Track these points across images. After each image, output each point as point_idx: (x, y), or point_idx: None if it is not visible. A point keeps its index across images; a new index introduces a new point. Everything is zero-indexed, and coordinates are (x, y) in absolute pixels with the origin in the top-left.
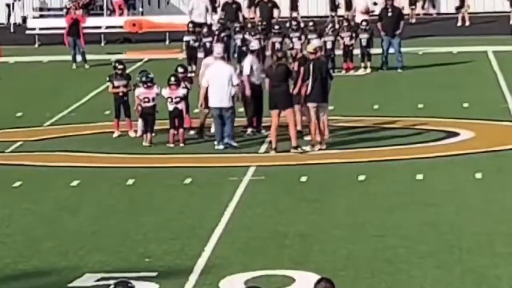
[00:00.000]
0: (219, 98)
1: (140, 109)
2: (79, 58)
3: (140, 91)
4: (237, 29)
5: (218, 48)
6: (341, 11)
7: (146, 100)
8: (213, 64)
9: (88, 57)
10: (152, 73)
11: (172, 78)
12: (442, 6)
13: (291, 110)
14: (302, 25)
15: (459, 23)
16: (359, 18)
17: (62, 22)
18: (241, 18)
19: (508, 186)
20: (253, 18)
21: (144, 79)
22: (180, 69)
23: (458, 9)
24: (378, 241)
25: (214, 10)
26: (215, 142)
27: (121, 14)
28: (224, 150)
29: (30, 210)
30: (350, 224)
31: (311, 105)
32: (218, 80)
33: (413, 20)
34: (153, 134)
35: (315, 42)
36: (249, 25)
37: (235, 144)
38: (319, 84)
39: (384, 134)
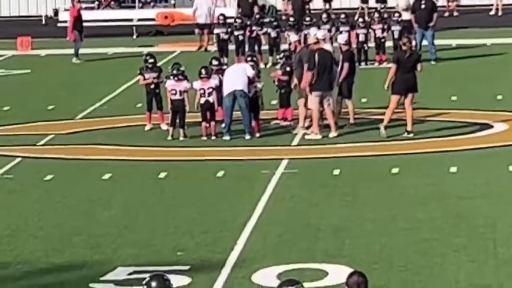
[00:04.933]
0: (232, 83)
1: (170, 102)
2: (81, 51)
3: (169, 83)
4: (274, 23)
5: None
6: (372, 2)
7: (174, 92)
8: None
9: (120, 50)
10: (184, 65)
11: (203, 70)
12: None
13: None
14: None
15: (493, 12)
16: (404, 16)
17: (93, 15)
18: (256, 12)
19: None
20: (286, 10)
21: (174, 71)
22: (214, 62)
23: None
24: (412, 234)
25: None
26: (224, 132)
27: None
28: (255, 143)
29: (62, 204)
30: (383, 217)
31: (315, 94)
32: (233, 71)
33: (455, 13)
34: (186, 127)
35: (318, 34)
36: (283, 17)
37: (248, 137)
38: (324, 74)
39: (417, 127)
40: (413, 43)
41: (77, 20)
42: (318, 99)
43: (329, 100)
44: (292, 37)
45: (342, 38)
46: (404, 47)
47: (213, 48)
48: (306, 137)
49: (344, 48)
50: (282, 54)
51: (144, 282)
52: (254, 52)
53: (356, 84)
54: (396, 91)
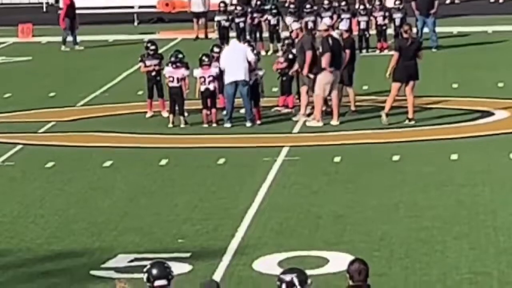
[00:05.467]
0: (234, 72)
1: (168, 88)
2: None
3: (167, 70)
4: (274, 10)
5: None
6: None
7: (171, 79)
8: (229, 45)
9: (121, 37)
10: (185, 52)
11: (204, 58)
12: None
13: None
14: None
15: None
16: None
17: (94, 2)
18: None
19: None
20: None
21: (172, 59)
22: (216, 49)
23: None
24: (413, 221)
25: None
26: (225, 119)
27: None
28: (256, 130)
29: (63, 191)
30: (384, 204)
31: (330, 71)
32: (233, 57)
33: (456, 1)
34: (186, 114)
35: (326, 21)
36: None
37: (249, 124)
38: (336, 57)
39: (418, 114)
40: (414, 30)
41: (70, 7)
42: (331, 80)
43: (337, 87)
44: (294, 25)
45: (343, 25)
46: (405, 35)
47: (214, 35)
48: (308, 124)
49: (345, 35)
50: (283, 42)
51: (145, 269)
52: (256, 39)
53: (356, 71)
54: (397, 78)
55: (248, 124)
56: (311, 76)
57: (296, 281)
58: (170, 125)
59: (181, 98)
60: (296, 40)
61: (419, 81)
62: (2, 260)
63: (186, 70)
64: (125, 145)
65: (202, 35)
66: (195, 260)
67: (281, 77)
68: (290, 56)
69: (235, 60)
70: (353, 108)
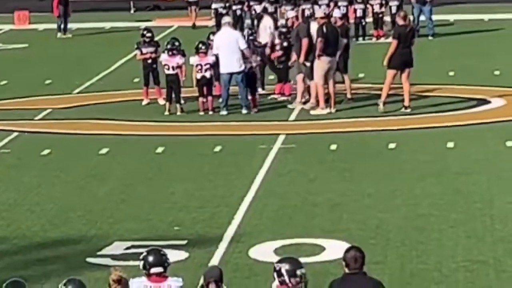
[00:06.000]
0: (229, 63)
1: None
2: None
3: (163, 58)
4: None
5: (226, 16)
6: None
7: (167, 67)
8: (220, 31)
9: (117, 24)
10: (181, 40)
11: (201, 45)
12: None
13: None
14: None
15: None
16: None
17: None
18: None
19: None
20: None
21: (169, 46)
22: (212, 37)
23: None
24: (409, 209)
25: None
26: (221, 107)
27: None
28: (252, 118)
29: (59, 178)
30: (380, 192)
31: (324, 60)
32: (227, 46)
33: None
34: (183, 102)
35: (323, 9)
36: None
37: (245, 111)
38: (331, 43)
39: (414, 102)
40: (411, 18)
41: None
42: (326, 68)
43: (333, 75)
44: (290, 13)
45: (337, 12)
46: (404, 22)
47: (211, 23)
48: (312, 112)
49: (339, 22)
50: (279, 30)
51: (141, 257)
52: (253, 27)
53: (351, 58)
54: (393, 65)
55: (244, 111)
56: (307, 64)
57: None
58: (167, 112)
59: (178, 86)
60: (292, 29)
61: (415, 68)
62: None
63: (181, 58)
64: (122, 132)
65: (197, 23)
66: (192, 247)
67: (278, 65)
68: (285, 44)
69: (229, 51)
70: (349, 95)
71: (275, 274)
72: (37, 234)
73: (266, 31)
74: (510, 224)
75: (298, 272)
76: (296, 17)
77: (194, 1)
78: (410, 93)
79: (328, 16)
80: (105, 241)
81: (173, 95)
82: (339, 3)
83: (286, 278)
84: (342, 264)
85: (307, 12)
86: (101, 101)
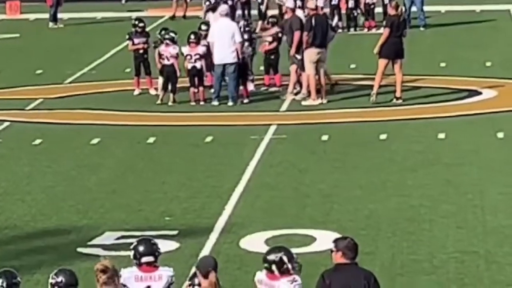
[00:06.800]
0: (223, 55)
1: (160, 66)
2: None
3: (161, 48)
4: None
5: (223, 5)
6: None
7: (163, 57)
8: (218, 21)
9: (109, 14)
10: (172, 30)
11: (192, 36)
12: None
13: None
14: None
15: None
16: None
17: None
18: None
19: None
20: None
21: (166, 36)
22: (203, 27)
23: None
24: (400, 200)
25: None
26: (213, 97)
27: None
28: (244, 108)
29: (50, 168)
30: (371, 183)
31: (312, 51)
32: (223, 37)
33: None
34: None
35: (319, 2)
36: None
37: (231, 103)
38: (320, 34)
39: (405, 93)
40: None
41: None
42: (315, 59)
43: (323, 66)
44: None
45: (320, 2)
46: (396, 11)
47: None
48: (303, 103)
49: (312, 12)
50: (268, 20)
51: (131, 246)
52: (245, 17)
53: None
54: (384, 54)
55: (230, 103)
56: (298, 56)
57: (285, 259)
58: (159, 101)
59: (174, 76)
60: (285, 18)
61: (407, 59)
62: None
63: (174, 49)
64: (113, 122)
65: (189, 13)
66: (182, 238)
67: (269, 56)
68: (273, 32)
69: (224, 42)
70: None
71: (273, 266)
72: (28, 224)
73: None
74: (500, 215)
75: (285, 259)
76: (293, 9)
77: None
78: (402, 84)
79: (318, 7)
80: (96, 231)
81: (169, 85)
82: None
83: (289, 265)
84: (333, 254)
85: (299, 3)
86: (92, 91)
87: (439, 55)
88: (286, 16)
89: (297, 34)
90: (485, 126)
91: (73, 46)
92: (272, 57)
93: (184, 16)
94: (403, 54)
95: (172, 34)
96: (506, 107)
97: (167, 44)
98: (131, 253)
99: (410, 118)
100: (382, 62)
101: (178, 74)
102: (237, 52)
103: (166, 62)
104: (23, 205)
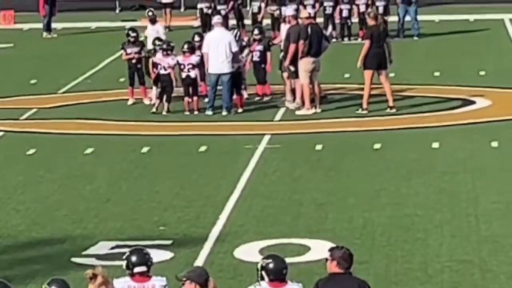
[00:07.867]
0: (218, 65)
1: (154, 76)
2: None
3: (157, 57)
4: None
5: (216, 15)
6: None
7: (160, 67)
8: (213, 30)
9: (103, 24)
10: (166, 40)
11: (185, 46)
12: None
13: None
14: None
15: None
16: None
17: None
18: None
19: None
20: None
21: (165, 46)
22: (196, 37)
23: None
24: (394, 209)
25: None
26: (207, 107)
27: None
28: (238, 118)
29: (44, 178)
30: (366, 192)
31: (307, 60)
32: (218, 47)
33: None
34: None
35: (308, 10)
36: None
37: (225, 113)
38: (315, 44)
39: (399, 102)
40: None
41: None
42: (310, 68)
43: (317, 76)
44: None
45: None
46: (375, 22)
47: (196, 23)
48: (297, 112)
49: (307, 21)
50: (257, 31)
51: (124, 256)
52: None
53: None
54: (368, 66)
55: (224, 112)
56: (292, 68)
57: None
58: (154, 109)
59: (171, 86)
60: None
61: (401, 68)
62: None
63: (173, 59)
64: (107, 132)
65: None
66: (177, 247)
67: (259, 66)
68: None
69: (219, 52)
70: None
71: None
72: (22, 233)
73: None
74: (495, 224)
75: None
76: (293, 16)
77: (168, 3)
78: (393, 93)
79: (313, 17)
80: (90, 241)
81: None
82: (325, 3)
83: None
84: (328, 263)
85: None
86: (86, 100)
87: (433, 64)
88: (284, 25)
89: (292, 47)
90: (479, 135)
91: (67, 55)
92: (262, 66)
93: (168, 27)
94: (386, 64)
95: (171, 44)
96: (500, 116)
97: (167, 54)
98: (124, 263)
99: (404, 128)
100: (367, 73)
101: (174, 84)
102: (232, 62)
103: (162, 71)
104: (17, 215)
